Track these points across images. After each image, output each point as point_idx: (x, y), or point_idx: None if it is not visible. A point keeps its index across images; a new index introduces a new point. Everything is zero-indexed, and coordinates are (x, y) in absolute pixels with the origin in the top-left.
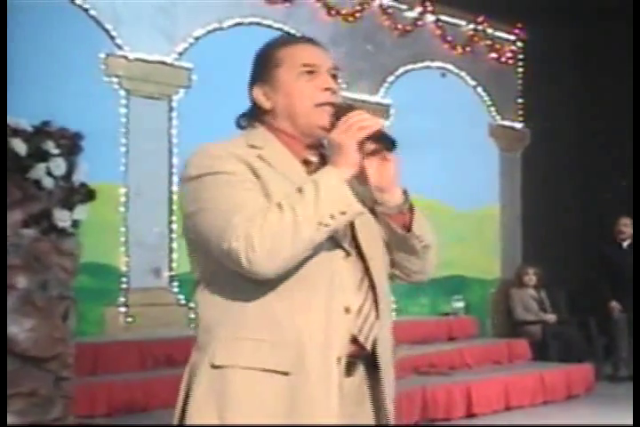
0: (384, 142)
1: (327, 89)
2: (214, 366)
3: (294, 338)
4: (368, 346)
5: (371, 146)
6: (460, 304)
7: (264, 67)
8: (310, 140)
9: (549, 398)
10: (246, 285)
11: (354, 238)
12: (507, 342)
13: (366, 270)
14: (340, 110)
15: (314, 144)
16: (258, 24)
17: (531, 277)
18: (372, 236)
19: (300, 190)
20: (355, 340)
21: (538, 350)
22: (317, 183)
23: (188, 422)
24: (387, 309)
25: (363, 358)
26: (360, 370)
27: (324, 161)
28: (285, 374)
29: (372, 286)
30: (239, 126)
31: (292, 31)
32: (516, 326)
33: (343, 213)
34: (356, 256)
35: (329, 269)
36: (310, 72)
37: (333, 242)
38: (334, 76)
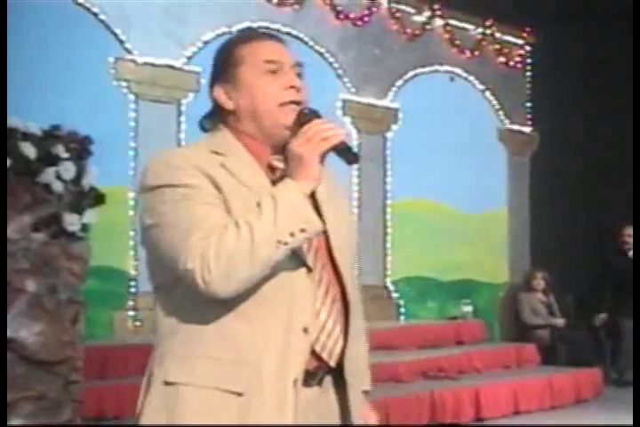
0: (346, 155)
1: (291, 87)
2: (167, 383)
3: (252, 359)
4: (332, 362)
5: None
6: (469, 308)
7: (225, 65)
8: (276, 142)
9: (558, 403)
10: (205, 301)
11: (328, 249)
12: (515, 347)
13: (338, 281)
14: (303, 116)
15: (279, 147)
16: (266, 28)
17: (539, 281)
18: (343, 244)
19: (258, 205)
20: (318, 356)
21: (546, 355)
22: (276, 199)
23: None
24: (357, 317)
25: (329, 370)
26: (327, 381)
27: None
28: (240, 394)
29: (343, 296)
30: (203, 129)
31: (301, 35)
32: (524, 331)
33: (303, 231)
34: (325, 267)
35: (289, 288)
36: (273, 71)
37: (295, 258)
38: (299, 74)
